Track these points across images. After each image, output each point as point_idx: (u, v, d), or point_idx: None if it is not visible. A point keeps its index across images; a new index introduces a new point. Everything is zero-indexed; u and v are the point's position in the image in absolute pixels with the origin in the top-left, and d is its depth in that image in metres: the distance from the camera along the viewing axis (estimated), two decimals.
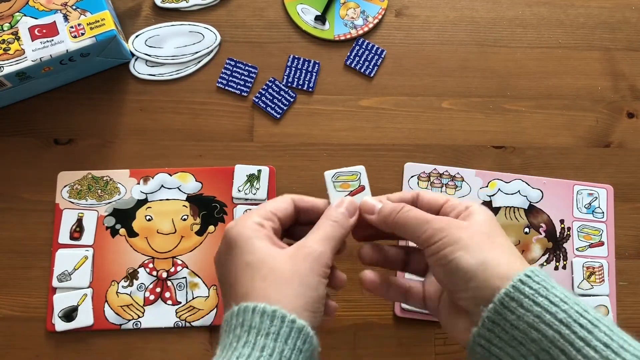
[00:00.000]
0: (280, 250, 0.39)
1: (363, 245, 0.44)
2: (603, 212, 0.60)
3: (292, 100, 0.62)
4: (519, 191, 0.60)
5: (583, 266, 0.58)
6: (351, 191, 0.45)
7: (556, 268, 0.58)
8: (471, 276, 0.36)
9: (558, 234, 0.59)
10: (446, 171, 0.60)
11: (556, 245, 0.59)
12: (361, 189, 0.45)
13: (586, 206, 0.60)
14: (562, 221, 0.60)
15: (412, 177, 0.60)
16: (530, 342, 0.34)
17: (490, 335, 0.35)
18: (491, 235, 0.39)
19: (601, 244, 0.59)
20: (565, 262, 0.58)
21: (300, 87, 0.62)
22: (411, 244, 0.44)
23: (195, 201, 0.59)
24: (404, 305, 0.56)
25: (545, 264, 0.58)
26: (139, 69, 0.62)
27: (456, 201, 0.42)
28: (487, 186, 0.60)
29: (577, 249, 0.59)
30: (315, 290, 0.37)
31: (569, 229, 0.59)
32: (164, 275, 0.57)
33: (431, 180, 0.60)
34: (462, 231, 0.38)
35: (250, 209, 0.58)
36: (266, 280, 0.37)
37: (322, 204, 0.43)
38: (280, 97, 0.62)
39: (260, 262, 0.37)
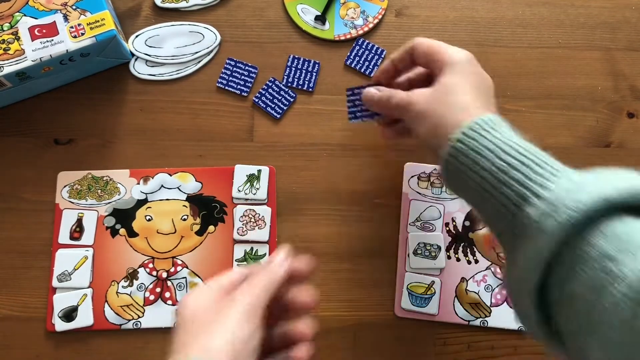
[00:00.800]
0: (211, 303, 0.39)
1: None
2: None
3: (292, 100, 0.62)
4: None
5: None
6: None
7: None
8: (426, 143, 0.45)
9: None
10: None
11: None
12: None
13: None
14: None
15: (412, 177, 0.60)
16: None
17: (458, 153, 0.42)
18: (446, 94, 0.45)
19: None
20: None
21: (300, 87, 0.62)
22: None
23: (195, 201, 0.59)
24: (404, 305, 0.56)
25: None
26: (139, 69, 0.62)
27: (437, 47, 0.47)
28: None
29: None
30: (235, 331, 0.37)
31: None
32: (164, 275, 0.57)
33: (431, 180, 0.60)
34: (419, 103, 0.45)
35: (251, 209, 0.58)
36: (188, 334, 0.37)
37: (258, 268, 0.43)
38: (280, 97, 0.62)
39: (188, 316, 0.38)
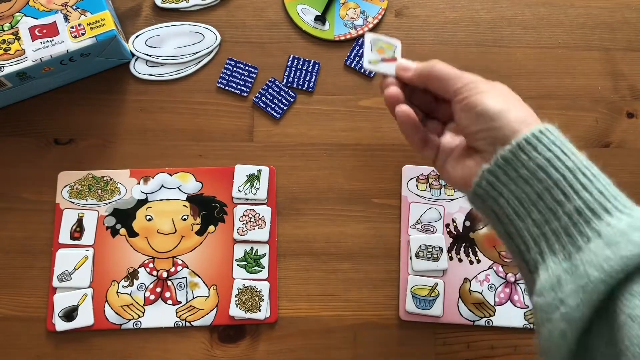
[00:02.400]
0: None
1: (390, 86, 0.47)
2: None
3: (292, 100, 0.62)
4: None
5: None
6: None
7: None
8: (495, 117, 0.40)
9: None
10: None
11: None
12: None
13: None
14: None
15: (410, 179, 0.60)
16: (535, 181, 0.37)
17: (499, 172, 0.38)
18: (513, 96, 0.43)
19: None
20: None
21: (300, 87, 0.62)
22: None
23: (196, 201, 0.59)
24: (408, 309, 0.56)
25: None
26: (139, 69, 0.62)
27: (471, 74, 0.44)
28: None
29: None
30: None
31: None
32: (164, 275, 0.57)
33: (430, 182, 0.60)
34: (489, 85, 0.42)
35: (251, 209, 0.58)
36: None
37: None
38: (280, 97, 0.62)
39: None
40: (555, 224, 0.36)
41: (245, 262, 0.57)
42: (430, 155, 0.48)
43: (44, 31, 0.55)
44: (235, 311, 0.56)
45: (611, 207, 0.35)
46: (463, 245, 0.59)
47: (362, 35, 0.64)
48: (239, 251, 0.58)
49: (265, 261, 0.57)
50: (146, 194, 0.59)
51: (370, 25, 0.64)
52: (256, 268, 0.57)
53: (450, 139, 0.47)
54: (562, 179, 0.36)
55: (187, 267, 0.57)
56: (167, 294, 0.57)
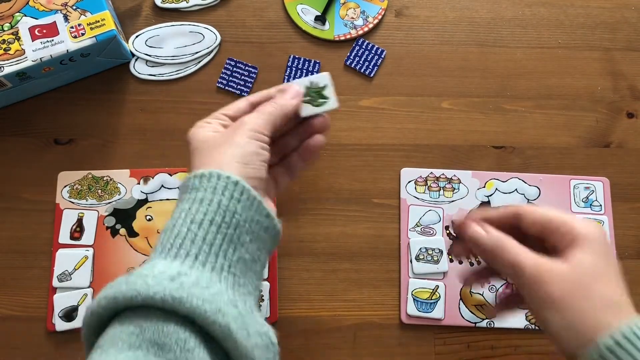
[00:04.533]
0: (218, 132, 0.42)
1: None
2: (601, 205, 0.60)
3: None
4: (516, 189, 0.60)
5: None
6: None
7: None
8: (557, 337, 0.37)
9: None
10: (443, 174, 0.60)
11: None
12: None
13: (584, 200, 0.60)
14: None
15: (409, 182, 0.60)
16: None
17: None
18: (589, 281, 0.37)
19: None
20: None
21: None
22: None
23: None
24: (410, 312, 0.56)
25: None
26: (139, 69, 0.62)
27: (560, 219, 0.39)
28: (484, 186, 0.60)
29: None
30: (243, 147, 0.40)
31: None
32: None
33: (428, 185, 0.60)
34: (554, 285, 0.37)
35: None
36: (203, 155, 0.41)
37: (273, 91, 0.46)
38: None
39: (200, 144, 0.42)
40: None
41: None
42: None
43: (44, 31, 0.55)
44: None
45: None
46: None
47: (362, 36, 0.64)
48: None
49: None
50: (146, 194, 0.59)
51: (371, 26, 0.64)
52: None
53: None
54: None
55: None
56: None
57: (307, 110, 0.46)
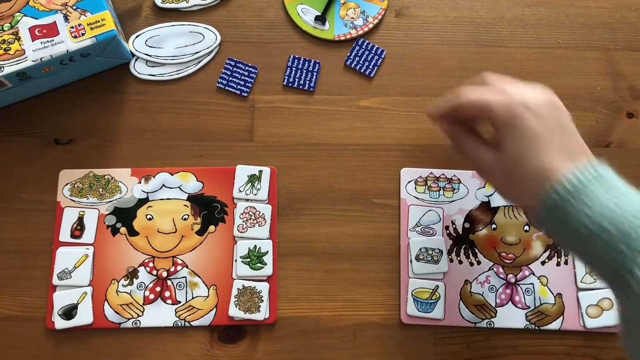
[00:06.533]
0: None
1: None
2: None
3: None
4: None
5: None
6: None
7: (558, 264, 0.58)
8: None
9: None
10: (443, 174, 0.60)
11: None
12: None
13: None
14: None
15: (409, 182, 0.60)
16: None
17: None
18: (510, 168, 0.43)
19: None
20: (567, 258, 0.58)
21: (300, 87, 0.62)
22: None
23: (196, 201, 0.59)
24: (410, 312, 0.56)
25: (547, 260, 0.58)
26: (139, 69, 0.62)
27: (479, 106, 0.44)
28: (484, 186, 0.60)
29: None
30: None
31: None
32: (164, 274, 0.57)
33: (428, 185, 0.60)
34: (492, 177, 0.46)
35: (252, 206, 0.58)
36: None
37: None
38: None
39: None
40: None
41: (249, 259, 0.57)
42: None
43: (44, 31, 0.56)
44: (235, 312, 0.56)
45: None
46: (463, 247, 0.59)
47: (362, 36, 0.64)
48: (243, 249, 0.57)
49: (268, 258, 0.57)
50: (147, 193, 0.59)
51: (371, 25, 0.64)
52: (259, 265, 0.57)
53: None
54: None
55: (187, 267, 0.57)
56: (167, 294, 0.56)
57: None
